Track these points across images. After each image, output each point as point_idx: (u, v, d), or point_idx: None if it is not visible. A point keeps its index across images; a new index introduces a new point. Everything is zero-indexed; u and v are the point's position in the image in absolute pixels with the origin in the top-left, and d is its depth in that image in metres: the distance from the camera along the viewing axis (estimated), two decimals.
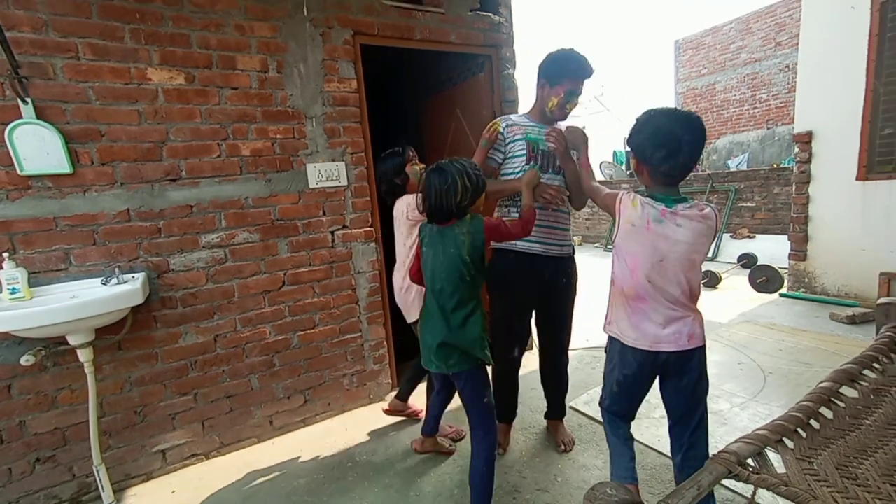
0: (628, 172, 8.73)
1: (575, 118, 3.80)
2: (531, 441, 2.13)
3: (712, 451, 1.15)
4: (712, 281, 4.54)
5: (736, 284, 4.62)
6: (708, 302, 4.03)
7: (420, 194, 1.53)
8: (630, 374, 1.37)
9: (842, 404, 1.22)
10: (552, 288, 1.90)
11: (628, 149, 1.48)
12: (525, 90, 3.19)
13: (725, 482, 1.55)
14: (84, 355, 1.72)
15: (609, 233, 7.58)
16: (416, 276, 1.65)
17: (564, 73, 1.73)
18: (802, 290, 4.01)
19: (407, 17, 2.45)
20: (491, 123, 1.88)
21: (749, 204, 6.39)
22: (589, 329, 3.15)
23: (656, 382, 1.40)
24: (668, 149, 1.23)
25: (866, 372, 1.35)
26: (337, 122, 2.30)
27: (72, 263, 1.82)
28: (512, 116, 1.91)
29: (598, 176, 7.38)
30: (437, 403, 1.98)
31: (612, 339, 1.43)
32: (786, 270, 4.18)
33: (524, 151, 1.80)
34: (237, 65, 2.04)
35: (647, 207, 1.28)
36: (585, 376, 2.73)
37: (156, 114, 1.91)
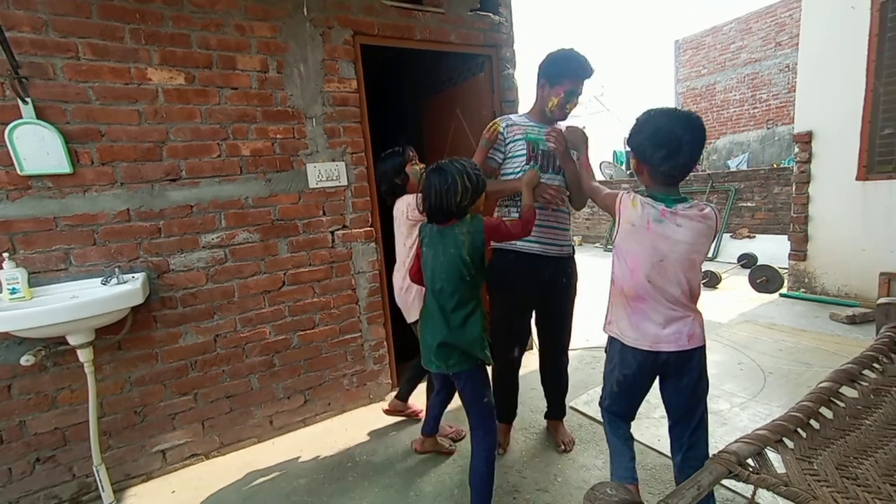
0: (628, 172, 8.73)
1: (575, 118, 3.80)
2: (531, 441, 2.13)
3: (712, 451, 1.15)
4: (712, 281, 4.54)
5: (736, 284, 4.62)
6: (708, 302, 4.03)
7: (420, 194, 1.53)
8: (630, 374, 1.37)
9: (842, 404, 1.22)
10: (552, 288, 1.90)
11: (628, 149, 1.48)
12: (525, 90, 3.20)
13: (725, 482, 1.55)
14: (84, 355, 1.73)
15: (609, 233, 7.58)
16: (416, 276, 1.65)
17: (564, 73, 1.73)
18: (802, 290, 4.01)
19: (407, 17, 2.45)
20: (491, 123, 1.88)
21: (749, 204, 6.39)
22: (589, 329, 3.15)
23: (656, 382, 1.40)
24: (668, 149, 1.23)
25: (866, 372, 1.35)
26: (337, 122, 2.30)
27: (72, 263, 1.82)
28: (512, 116, 1.91)
29: (598, 176, 7.38)
30: (437, 403, 1.98)
31: (612, 339, 1.43)
32: (786, 270, 4.18)
33: (524, 151, 1.80)
34: (237, 65, 2.04)
35: (647, 207, 1.28)
36: (585, 376, 2.73)
37: (156, 114, 1.91)
